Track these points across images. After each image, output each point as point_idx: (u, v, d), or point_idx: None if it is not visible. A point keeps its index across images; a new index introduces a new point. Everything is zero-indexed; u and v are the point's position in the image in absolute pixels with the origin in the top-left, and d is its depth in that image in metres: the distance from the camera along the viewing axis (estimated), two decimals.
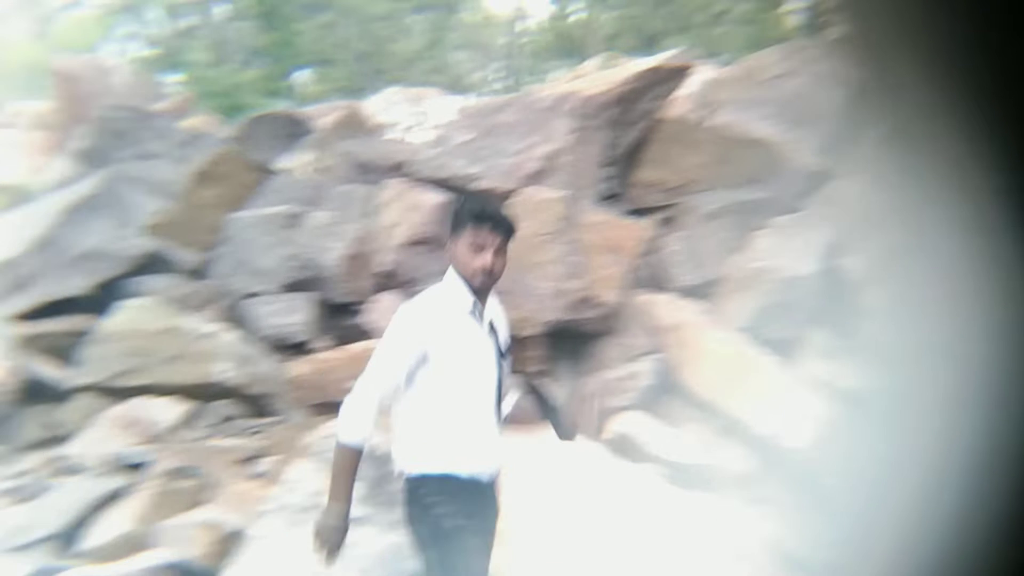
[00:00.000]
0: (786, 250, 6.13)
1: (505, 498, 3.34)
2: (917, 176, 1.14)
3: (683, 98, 7.28)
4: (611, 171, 6.90)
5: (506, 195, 6.54)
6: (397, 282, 6.98)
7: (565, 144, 6.74)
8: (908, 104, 1.13)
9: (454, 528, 3.07)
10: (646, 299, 6.19)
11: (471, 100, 8.50)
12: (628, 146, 7.00)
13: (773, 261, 6.10)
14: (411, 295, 6.81)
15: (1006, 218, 1.04)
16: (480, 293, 3.22)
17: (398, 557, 4.48)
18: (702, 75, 7.72)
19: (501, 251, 3.19)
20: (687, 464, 5.01)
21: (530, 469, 5.05)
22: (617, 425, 5.21)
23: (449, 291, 3.21)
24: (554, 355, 6.34)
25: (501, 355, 3.27)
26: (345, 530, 3.10)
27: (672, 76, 7.28)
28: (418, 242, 6.93)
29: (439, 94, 10.81)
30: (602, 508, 4.62)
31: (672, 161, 6.77)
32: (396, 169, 7.55)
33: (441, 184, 6.95)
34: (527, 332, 6.32)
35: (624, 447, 5.11)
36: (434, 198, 6.99)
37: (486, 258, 3.15)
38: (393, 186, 7.33)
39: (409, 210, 7.12)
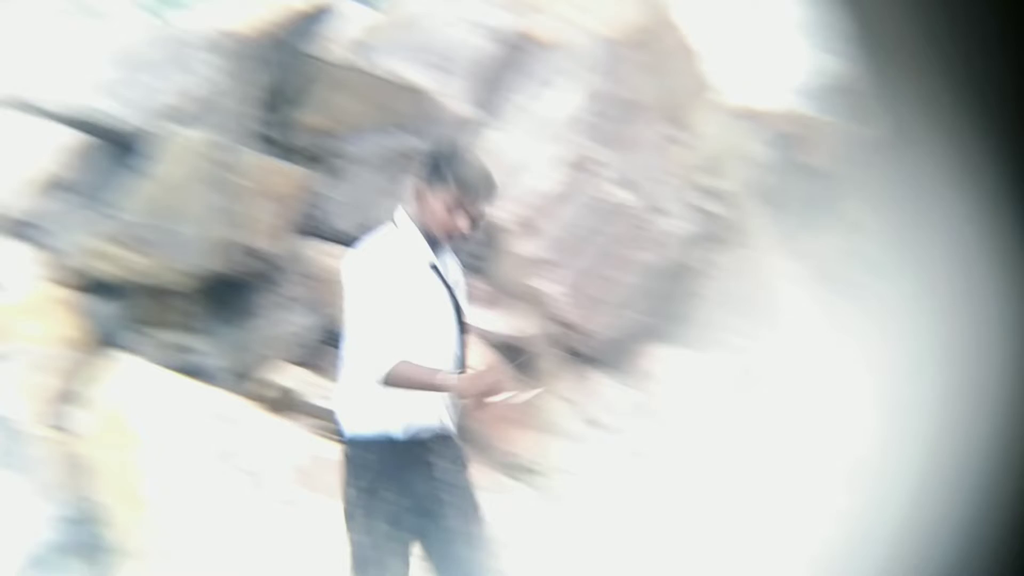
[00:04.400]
0: None
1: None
2: (917, 175, 1.12)
3: (340, 41, 7.11)
4: (266, 114, 6.62)
5: (145, 134, 6.08)
6: (16, 229, 6.30)
7: (212, 82, 6.38)
8: (908, 102, 1.10)
9: (383, 499, 2.95)
10: (305, 248, 6.05)
11: (104, 28, 7.78)
12: (283, 88, 6.74)
13: None
14: (36, 243, 6.24)
15: (1007, 217, 1.03)
16: (437, 245, 3.06)
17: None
18: (358, 18, 7.58)
19: (478, 214, 3.06)
20: None
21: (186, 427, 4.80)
22: (278, 379, 5.07)
23: (403, 239, 3.05)
24: (204, 308, 6.04)
25: (459, 313, 3.12)
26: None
27: (321, 16, 7.08)
28: (42, 185, 6.27)
29: (65, 17, 9.83)
30: (263, 466, 4.49)
31: (330, 105, 6.59)
32: (8, 101, 6.77)
33: (68, 121, 6.33)
34: (173, 283, 5.96)
35: (285, 402, 4.99)
36: (61, 136, 6.35)
37: (464, 223, 3.01)
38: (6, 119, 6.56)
39: (27, 149, 6.42)
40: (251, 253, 5.91)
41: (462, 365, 3.14)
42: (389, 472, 3.00)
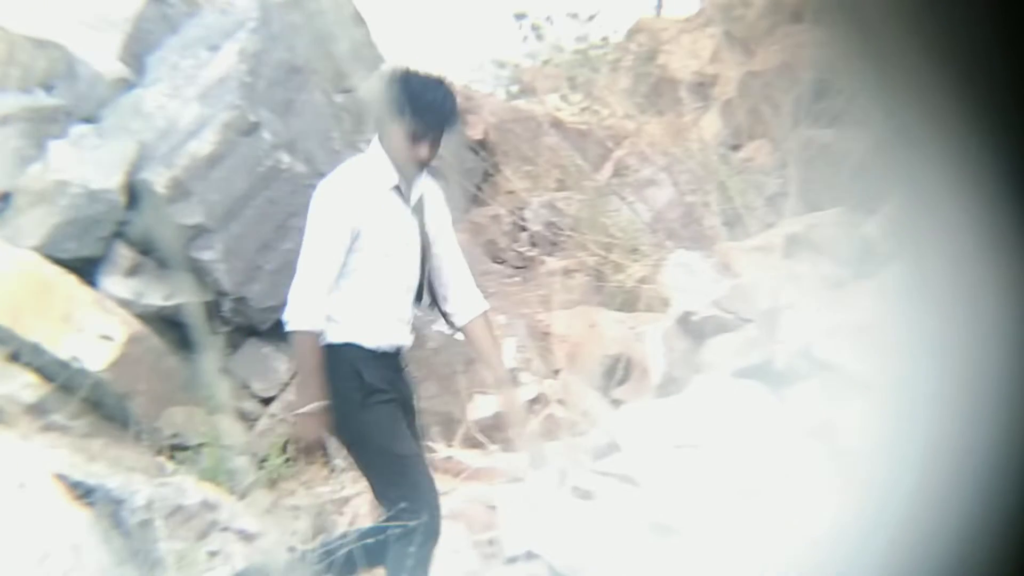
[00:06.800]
0: (86, 162, 5.78)
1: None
2: (919, 175, 1.05)
3: None
4: None
5: None
6: None
7: None
8: (911, 101, 1.03)
9: (372, 391, 3.13)
10: None
11: None
12: None
13: (72, 174, 5.70)
14: None
15: (1010, 215, 0.98)
16: (406, 172, 3.19)
17: None
18: None
19: (439, 141, 3.20)
20: None
21: None
22: None
23: (373, 166, 3.20)
24: None
25: (426, 234, 3.23)
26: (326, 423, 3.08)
27: None
28: None
29: None
30: None
31: None
32: None
33: None
34: None
35: None
36: None
37: (424, 150, 3.15)
38: None
39: None
40: None
41: (421, 292, 3.31)
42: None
